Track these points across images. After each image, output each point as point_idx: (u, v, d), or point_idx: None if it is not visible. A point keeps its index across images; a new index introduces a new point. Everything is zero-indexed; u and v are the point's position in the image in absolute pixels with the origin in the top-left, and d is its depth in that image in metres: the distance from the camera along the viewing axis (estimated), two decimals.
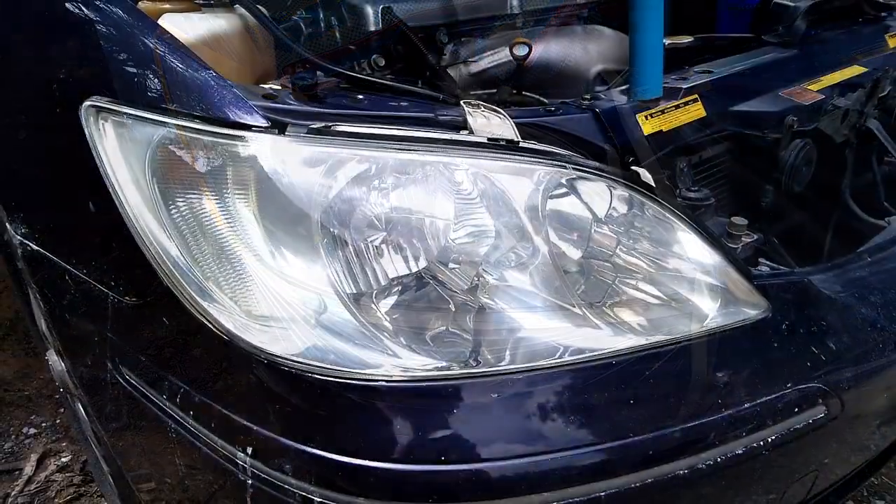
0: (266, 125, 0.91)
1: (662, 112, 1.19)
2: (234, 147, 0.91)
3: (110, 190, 0.98)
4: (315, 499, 0.88)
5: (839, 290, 1.15)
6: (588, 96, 1.17)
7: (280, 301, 0.93)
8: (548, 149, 1.01)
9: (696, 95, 1.25)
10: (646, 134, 1.15)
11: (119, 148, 0.98)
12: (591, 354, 0.93)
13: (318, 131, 0.91)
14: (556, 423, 0.89)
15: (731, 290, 1.03)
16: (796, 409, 1.00)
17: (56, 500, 1.93)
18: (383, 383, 0.88)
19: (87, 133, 1.00)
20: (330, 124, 0.96)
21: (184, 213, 0.94)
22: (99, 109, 0.99)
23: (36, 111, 1.13)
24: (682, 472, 0.92)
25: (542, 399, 0.90)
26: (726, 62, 1.41)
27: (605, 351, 0.95)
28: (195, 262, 0.94)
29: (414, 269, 0.94)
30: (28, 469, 2.02)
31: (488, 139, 1.00)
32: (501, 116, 1.07)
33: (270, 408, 0.91)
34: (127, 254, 0.99)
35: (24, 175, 1.19)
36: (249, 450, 0.92)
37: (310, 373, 0.88)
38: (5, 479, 2.00)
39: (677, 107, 1.21)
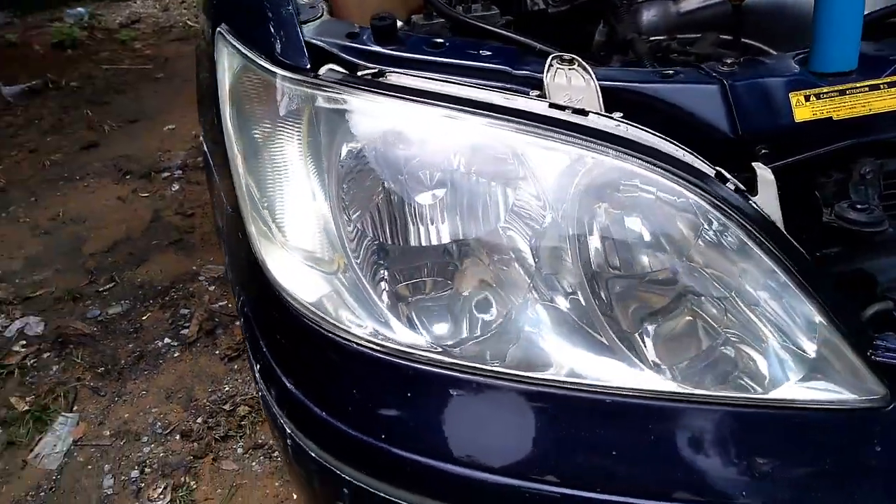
0: (300, 65, 0.89)
1: (840, 94, 0.86)
2: (281, 83, 0.92)
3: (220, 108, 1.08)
4: (287, 430, 0.92)
5: None
6: (731, 60, 0.89)
7: (311, 241, 0.94)
8: (617, 130, 0.81)
9: None
10: (798, 121, 0.85)
11: (227, 73, 1.07)
12: (581, 383, 0.77)
13: (343, 79, 0.87)
14: (509, 442, 0.77)
15: (826, 360, 0.74)
16: None
17: None
18: (353, 345, 0.85)
19: (215, 55, 1.11)
20: (385, 70, 0.91)
21: (251, 138, 1.00)
22: (222, 36, 1.09)
23: (205, 32, 1.28)
24: None
25: (505, 412, 0.78)
26: None
27: (610, 385, 0.77)
28: (256, 185, 1.00)
29: (437, 242, 0.87)
30: None
31: (550, 105, 0.85)
32: (587, 78, 0.89)
33: (274, 335, 0.95)
34: (228, 166, 1.10)
35: (201, 85, 1.37)
36: (259, 367, 0.98)
37: (302, 315, 0.89)
38: None
39: (873, 88, 0.86)
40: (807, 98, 0.85)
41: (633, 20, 1.33)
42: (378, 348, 0.83)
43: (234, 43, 1.01)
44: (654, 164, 0.77)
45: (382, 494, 0.82)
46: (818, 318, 0.74)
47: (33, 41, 5.21)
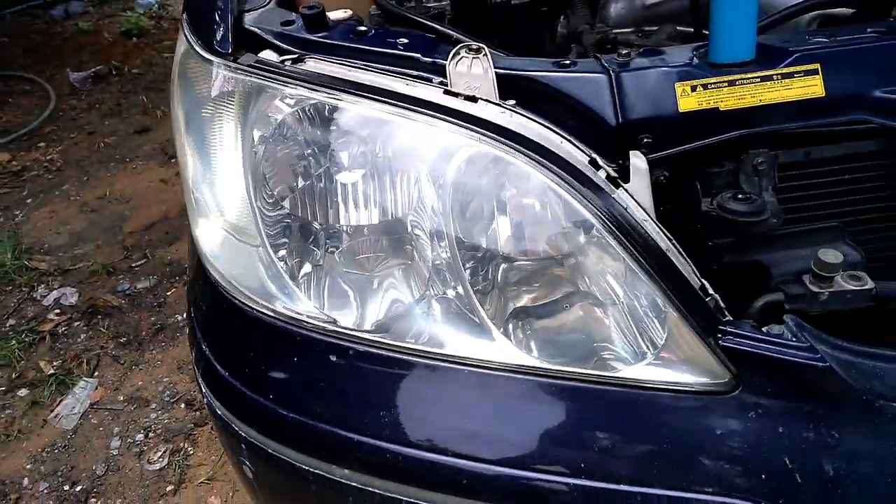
0: (224, 51, 0.97)
1: (730, 84, 0.87)
2: (204, 66, 1.00)
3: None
4: (202, 387, 1.00)
5: None
6: (626, 51, 0.91)
7: (238, 214, 1.02)
8: (499, 118, 0.85)
9: (816, 65, 0.87)
10: (682, 111, 0.86)
11: (178, 54, 1.16)
12: (447, 354, 0.82)
13: (249, 64, 0.94)
14: (368, 406, 0.83)
15: (674, 343, 0.76)
16: None
17: None
18: (249, 310, 0.92)
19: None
20: (306, 55, 0.98)
21: (194, 116, 1.08)
22: (181, 23, 1.18)
23: None
24: None
25: (370, 379, 0.84)
26: None
27: (472, 357, 0.82)
28: (199, 160, 1.08)
29: (349, 222, 0.93)
30: None
31: (444, 92, 0.89)
32: (485, 67, 0.92)
33: (198, 301, 1.03)
34: None
35: None
36: (189, 330, 1.07)
37: (218, 284, 0.97)
38: None
39: (765, 79, 0.86)
40: (693, 88, 0.86)
41: (588, 12, 1.34)
42: (272, 315, 0.90)
43: (184, 29, 1.09)
44: (523, 152, 0.80)
45: (272, 451, 0.89)
46: (665, 305, 0.76)
47: (104, 29, 5.53)
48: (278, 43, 1.01)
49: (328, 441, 0.84)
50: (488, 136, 0.81)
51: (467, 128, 0.82)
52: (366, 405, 0.83)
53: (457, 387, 0.80)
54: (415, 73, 0.95)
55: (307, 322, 0.89)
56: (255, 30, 1.02)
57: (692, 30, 1.31)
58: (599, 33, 1.26)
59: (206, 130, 1.04)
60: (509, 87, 0.92)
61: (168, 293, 2.64)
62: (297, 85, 0.89)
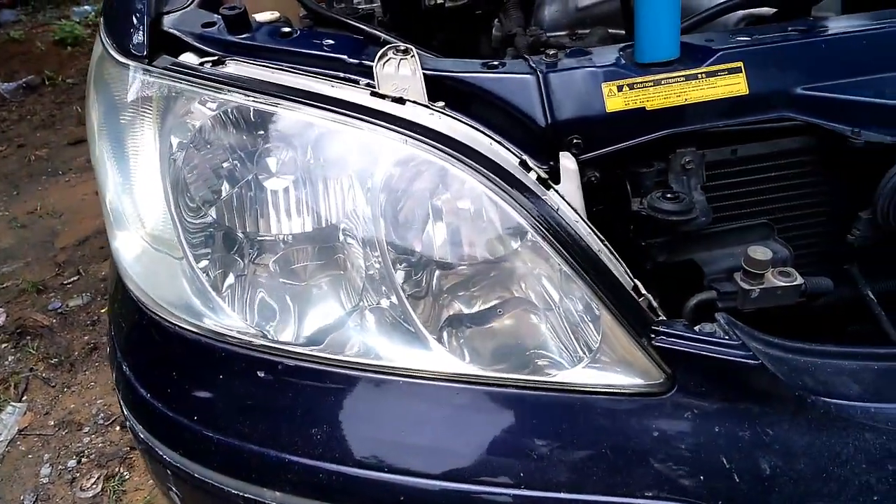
0: (139, 54, 0.92)
1: (655, 84, 0.86)
2: (119, 70, 0.95)
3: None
4: (124, 410, 0.94)
5: (850, 392, 0.75)
6: (553, 51, 0.90)
7: (158, 224, 0.97)
8: (427, 120, 0.82)
9: (739, 64, 0.87)
10: (610, 111, 0.86)
11: (94, 58, 1.10)
12: (377, 364, 0.79)
13: (165, 67, 0.90)
14: (300, 423, 0.79)
15: (608, 345, 0.75)
16: None
17: None
18: (170, 325, 0.87)
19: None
20: (226, 58, 0.94)
21: (103, 119, 1.02)
22: (99, 26, 1.12)
23: None
24: None
25: (302, 394, 0.80)
26: (831, 23, 0.94)
27: (400, 367, 0.79)
28: (117, 168, 1.03)
29: (275, 231, 0.89)
30: None
31: (371, 93, 0.87)
32: (413, 68, 0.90)
33: (117, 317, 0.98)
34: None
35: None
36: (109, 348, 1.01)
37: (138, 299, 0.92)
38: None
39: (690, 78, 0.87)
40: (619, 88, 0.86)
41: (521, 15, 1.33)
42: (194, 330, 0.86)
43: (101, 33, 1.04)
44: (452, 155, 0.78)
45: (198, 476, 0.84)
46: (598, 307, 0.74)
47: (37, 38, 5.32)
48: (198, 45, 0.97)
49: (257, 463, 0.79)
50: (416, 139, 0.78)
51: (395, 130, 0.80)
52: (297, 423, 0.79)
53: (393, 399, 0.77)
54: (341, 74, 0.92)
55: (232, 337, 0.84)
56: (174, 32, 0.98)
57: (624, 32, 1.31)
58: (532, 36, 1.25)
59: (123, 137, 0.99)
60: (438, 89, 0.90)
61: (102, 310, 2.53)
62: (212, 88, 0.85)
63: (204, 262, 0.90)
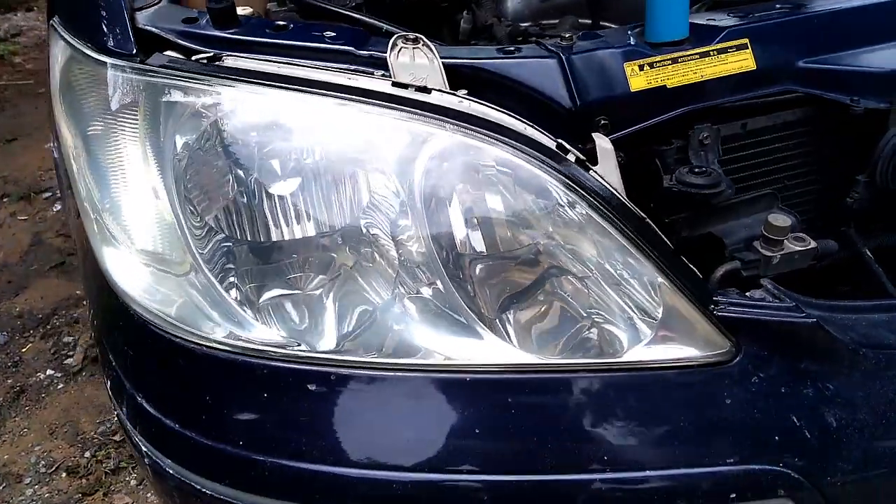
0: (126, 51, 0.84)
1: (673, 62, 0.88)
2: (101, 72, 0.87)
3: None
4: (143, 448, 0.86)
5: (891, 341, 0.79)
6: (569, 35, 0.90)
7: (156, 242, 0.89)
8: (459, 106, 0.80)
9: (745, 40, 0.91)
10: (634, 90, 0.87)
11: (57, 66, 1.00)
12: (436, 364, 0.76)
13: (170, 64, 0.82)
14: (371, 434, 0.75)
15: (672, 318, 0.76)
16: (733, 495, 0.72)
17: None
18: (201, 348, 0.80)
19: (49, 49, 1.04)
20: (221, 53, 0.87)
21: (86, 134, 0.93)
22: (54, 29, 1.02)
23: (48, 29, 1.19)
24: None
25: (369, 403, 0.76)
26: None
27: (464, 363, 0.76)
28: (95, 185, 0.94)
29: (292, 237, 0.84)
30: None
31: (392, 84, 0.83)
32: (430, 56, 0.87)
33: (120, 346, 0.89)
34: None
35: (47, 87, 1.28)
36: (109, 383, 0.92)
37: (148, 322, 0.84)
38: None
39: (704, 55, 0.89)
40: (641, 67, 0.87)
41: (495, 5, 1.33)
42: (229, 349, 0.79)
43: (63, 34, 0.94)
44: (495, 138, 0.76)
45: None
46: (660, 279, 0.75)
47: None
48: (183, 42, 0.89)
49: (320, 483, 0.74)
50: (458, 125, 0.76)
51: (433, 117, 0.77)
52: (360, 434, 0.75)
53: (463, 398, 0.75)
54: (352, 67, 0.88)
55: (272, 351, 0.79)
56: (153, 29, 0.90)
57: (590, 21, 1.34)
58: (509, 26, 1.25)
59: (103, 148, 0.90)
60: (453, 77, 0.88)
61: (23, 350, 2.31)
62: (233, 83, 0.79)
63: (224, 276, 0.84)
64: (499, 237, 0.79)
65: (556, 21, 1.34)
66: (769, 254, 0.89)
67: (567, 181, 0.74)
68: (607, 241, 0.76)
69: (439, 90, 0.83)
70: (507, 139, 0.76)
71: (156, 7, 0.95)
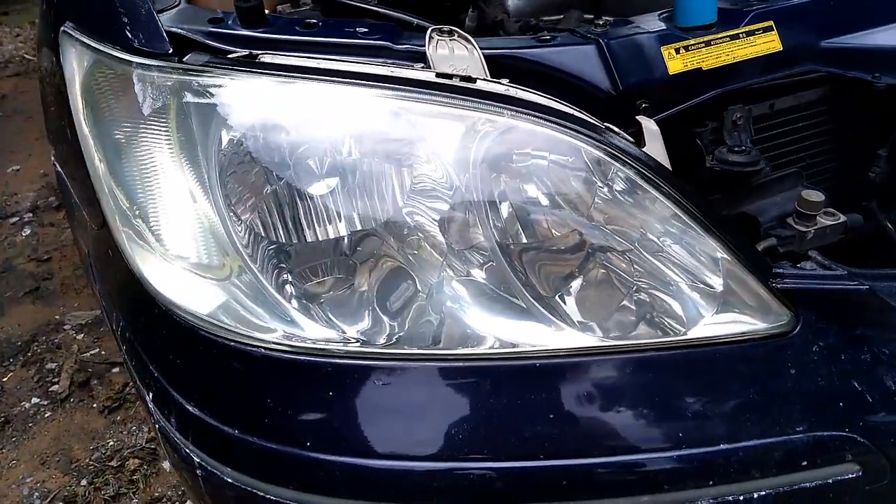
0: (162, 51, 0.82)
1: (707, 45, 0.90)
2: (142, 75, 0.84)
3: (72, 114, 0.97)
4: (195, 459, 0.83)
5: None
6: (603, 21, 0.91)
7: (196, 247, 0.86)
8: (508, 91, 0.80)
9: (770, 23, 0.93)
10: (672, 73, 0.88)
11: (77, 74, 0.97)
12: (507, 351, 0.75)
13: (213, 62, 0.81)
14: (444, 426, 0.73)
15: (735, 293, 0.77)
16: (805, 462, 0.73)
17: None
18: (260, 351, 0.78)
19: (60, 58, 1.00)
20: (257, 53, 0.86)
21: (113, 141, 0.90)
22: (68, 36, 0.98)
23: (46, 38, 1.15)
24: None
25: (432, 396, 0.75)
26: None
27: (533, 349, 0.76)
28: (124, 193, 0.90)
29: (337, 233, 0.82)
30: None
31: (437, 74, 0.83)
32: (469, 47, 0.87)
33: (165, 356, 0.86)
34: (88, 181, 0.99)
35: (46, 98, 1.24)
36: (151, 395, 0.88)
37: (198, 328, 0.81)
38: (127, 370, 2.25)
39: (734, 38, 0.91)
40: (677, 51, 0.89)
41: (489, 6, 1.34)
42: (289, 350, 0.77)
43: (82, 38, 0.91)
44: (549, 121, 0.76)
45: None
46: (721, 254, 0.76)
47: None
48: (213, 43, 0.87)
49: (396, 479, 0.73)
50: (515, 110, 0.76)
51: (488, 103, 0.77)
52: (431, 426, 0.74)
53: (534, 383, 0.74)
54: (390, 61, 0.87)
55: (333, 349, 0.77)
56: (179, 30, 0.88)
57: (592, 16, 1.36)
58: (517, 21, 1.26)
59: (136, 151, 0.88)
60: (492, 68, 0.88)
61: (4, 379, 2.21)
62: (286, 79, 0.78)
63: (273, 277, 0.82)
64: (556, 219, 0.79)
65: (560, 17, 1.35)
66: (803, 229, 0.91)
67: (628, 161, 0.74)
68: (668, 219, 0.77)
69: (484, 79, 0.83)
70: (561, 121, 0.76)
71: (177, 9, 0.93)
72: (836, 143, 1.04)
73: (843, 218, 0.92)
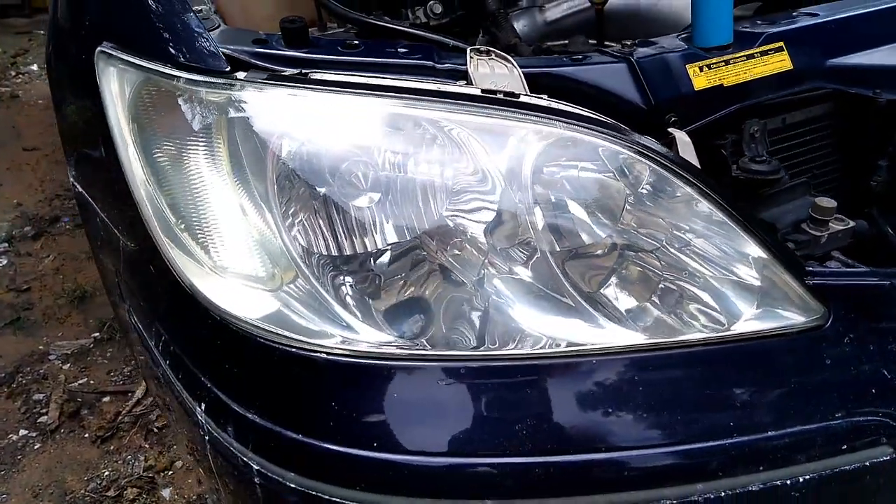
0: (222, 69, 0.85)
1: (726, 63, 0.97)
2: (194, 92, 0.86)
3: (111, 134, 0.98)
4: (254, 466, 0.83)
5: None
6: (630, 42, 0.98)
7: (247, 259, 0.88)
8: (549, 104, 0.85)
9: (780, 44, 1.01)
10: (697, 89, 0.94)
11: (118, 93, 0.98)
12: (563, 350, 0.79)
13: (272, 78, 0.84)
14: (500, 424, 0.76)
15: (772, 290, 0.82)
16: (844, 447, 0.78)
17: (156, 423, 2.09)
18: (322, 356, 0.80)
19: (97, 78, 1.01)
20: (306, 71, 0.89)
21: (160, 158, 0.92)
22: (107, 55, 0.99)
23: (74, 58, 1.16)
24: (667, 502, 0.76)
25: (495, 394, 0.77)
26: (843, 5, 1.12)
27: (588, 347, 0.79)
28: (170, 209, 0.92)
29: (390, 242, 0.85)
30: (138, 392, 2.21)
31: (482, 91, 0.87)
32: (509, 66, 0.92)
33: (220, 367, 0.87)
34: (126, 199, 1.00)
35: (70, 118, 1.24)
36: (204, 406, 0.89)
37: (256, 336, 0.83)
38: (119, 399, 2.20)
39: (750, 57, 0.98)
40: (701, 69, 0.95)
41: (502, 31, 1.40)
42: (351, 354, 0.80)
43: (128, 58, 0.93)
44: (598, 131, 0.81)
45: None
46: (759, 252, 0.81)
47: None
48: (260, 63, 0.90)
49: (458, 476, 0.75)
50: (565, 122, 0.81)
51: (539, 116, 0.81)
52: (496, 423, 0.76)
53: (594, 379, 0.78)
54: (435, 79, 0.91)
55: (394, 352, 0.80)
56: (226, 51, 0.91)
57: (595, 42, 1.43)
58: (531, 45, 1.32)
59: (187, 167, 0.90)
60: (530, 85, 0.92)
61: None
62: (345, 94, 0.81)
63: (328, 285, 0.85)
64: (605, 222, 0.83)
65: (565, 42, 1.42)
66: (817, 233, 0.98)
67: (673, 168, 0.80)
68: (709, 219, 0.82)
69: (526, 94, 0.88)
70: (607, 131, 0.81)
71: (219, 29, 0.96)
72: (840, 155, 1.12)
73: (852, 223, 0.99)
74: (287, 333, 0.82)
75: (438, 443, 0.76)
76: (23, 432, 2.06)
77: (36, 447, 2.01)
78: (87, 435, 2.05)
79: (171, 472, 1.93)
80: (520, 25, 1.49)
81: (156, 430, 2.05)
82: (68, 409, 2.13)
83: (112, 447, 2.00)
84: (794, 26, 1.03)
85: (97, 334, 2.46)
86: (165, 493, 1.88)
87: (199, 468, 1.15)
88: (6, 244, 3.00)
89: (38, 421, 2.10)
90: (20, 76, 5.21)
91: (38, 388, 2.22)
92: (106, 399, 2.19)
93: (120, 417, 2.12)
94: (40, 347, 2.40)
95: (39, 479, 1.90)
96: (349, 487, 0.78)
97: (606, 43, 1.34)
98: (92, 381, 2.26)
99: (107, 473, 1.93)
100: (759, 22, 1.06)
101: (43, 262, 2.89)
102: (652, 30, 1.32)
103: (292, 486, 0.80)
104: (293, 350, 0.81)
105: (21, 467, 1.95)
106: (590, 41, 1.41)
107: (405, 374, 0.79)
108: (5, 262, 2.89)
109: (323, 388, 0.80)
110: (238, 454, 0.84)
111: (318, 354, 0.80)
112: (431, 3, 1.36)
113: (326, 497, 0.79)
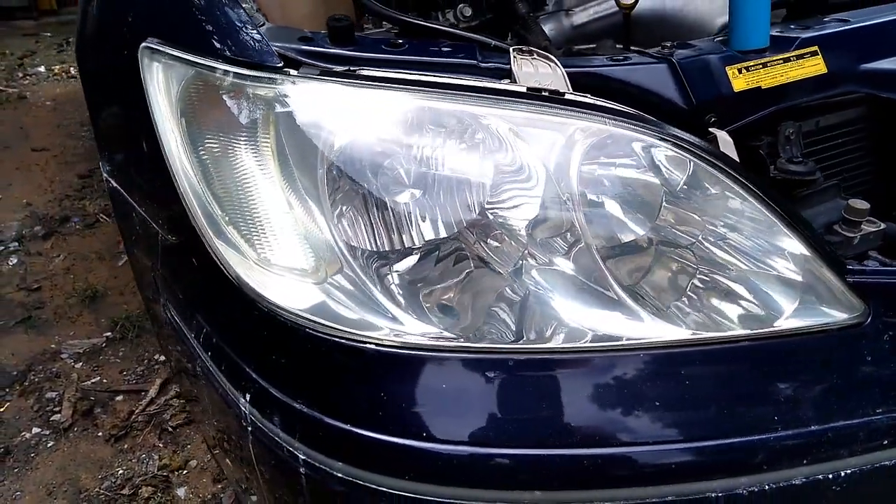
0: (275, 65, 0.86)
1: (764, 66, 0.98)
2: (245, 87, 0.87)
3: (155, 129, 0.99)
4: (300, 455, 0.84)
5: None
6: (669, 44, 0.99)
7: (292, 252, 0.89)
8: (596, 102, 0.86)
9: (815, 48, 1.02)
10: (737, 91, 0.96)
11: (163, 89, 0.99)
12: (611, 343, 0.80)
13: (327, 74, 0.85)
14: (549, 416, 0.77)
15: (814, 286, 0.83)
16: (885, 442, 0.79)
17: (170, 422, 2.09)
18: (372, 347, 0.81)
19: (141, 73, 1.02)
20: (354, 68, 0.90)
21: (207, 153, 0.93)
22: (152, 51, 1.00)
23: (113, 54, 1.17)
24: (713, 494, 0.77)
25: (543, 386, 0.78)
26: (875, 10, 1.14)
27: (635, 341, 0.80)
28: (216, 202, 0.93)
29: (433, 236, 0.86)
30: (152, 392, 2.21)
31: (528, 89, 0.88)
32: (552, 65, 0.94)
33: (267, 357, 0.88)
34: (169, 193, 1.00)
35: (107, 114, 1.25)
36: (248, 396, 0.89)
37: (304, 328, 0.84)
38: (132, 398, 2.20)
39: (786, 60, 1.00)
40: (739, 71, 0.97)
41: (531, 34, 1.41)
42: (400, 345, 0.80)
43: (176, 53, 0.94)
44: (646, 128, 0.83)
45: (433, 498, 0.78)
46: (801, 249, 0.83)
47: None
48: (307, 60, 0.91)
49: (508, 466, 0.76)
50: (614, 119, 0.82)
51: (591, 112, 0.83)
52: (543, 416, 0.77)
53: (640, 373, 0.79)
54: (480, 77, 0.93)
55: (444, 345, 0.80)
56: (275, 48, 0.92)
57: (621, 46, 1.45)
58: (560, 48, 1.34)
59: (237, 162, 0.91)
60: (572, 85, 0.94)
61: (1, 409, 2.15)
62: (407, 90, 0.82)
63: (375, 278, 0.86)
64: (654, 220, 0.85)
65: (592, 46, 1.44)
66: (850, 235, 0.99)
67: (721, 166, 0.81)
68: (754, 216, 0.83)
69: (572, 93, 0.89)
70: (655, 129, 0.83)
71: (265, 27, 0.97)
72: (869, 158, 1.14)
73: (883, 225, 1.01)
74: (335, 325, 0.83)
75: (486, 434, 0.77)
76: (36, 430, 2.05)
77: (49, 445, 2.01)
78: (100, 433, 2.04)
79: (185, 472, 1.93)
80: (546, 29, 1.50)
81: (170, 429, 2.05)
82: (81, 407, 2.12)
83: (126, 446, 2.00)
84: (827, 31, 1.05)
85: (109, 333, 2.46)
86: (180, 491, 1.87)
87: (226, 459, 1.15)
88: (16, 243, 3.00)
89: (51, 419, 2.09)
90: (27, 77, 5.22)
91: (50, 386, 2.22)
92: (119, 398, 2.19)
93: (133, 416, 2.12)
94: (52, 346, 2.40)
95: (53, 476, 1.90)
96: (397, 477, 0.78)
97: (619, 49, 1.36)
98: (105, 380, 2.25)
99: (121, 472, 1.92)
100: (792, 27, 1.07)
101: (53, 262, 2.89)
102: (677, 35, 1.34)
103: (339, 475, 0.81)
104: (342, 341, 0.82)
105: (34, 465, 1.94)
106: (617, 45, 1.44)
107: (454, 366, 0.80)
108: (16, 261, 2.89)
109: (372, 378, 0.81)
110: (284, 444, 0.85)
111: (367, 345, 0.81)
112: (461, 6, 1.37)
113: (374, 486, 0.79)
